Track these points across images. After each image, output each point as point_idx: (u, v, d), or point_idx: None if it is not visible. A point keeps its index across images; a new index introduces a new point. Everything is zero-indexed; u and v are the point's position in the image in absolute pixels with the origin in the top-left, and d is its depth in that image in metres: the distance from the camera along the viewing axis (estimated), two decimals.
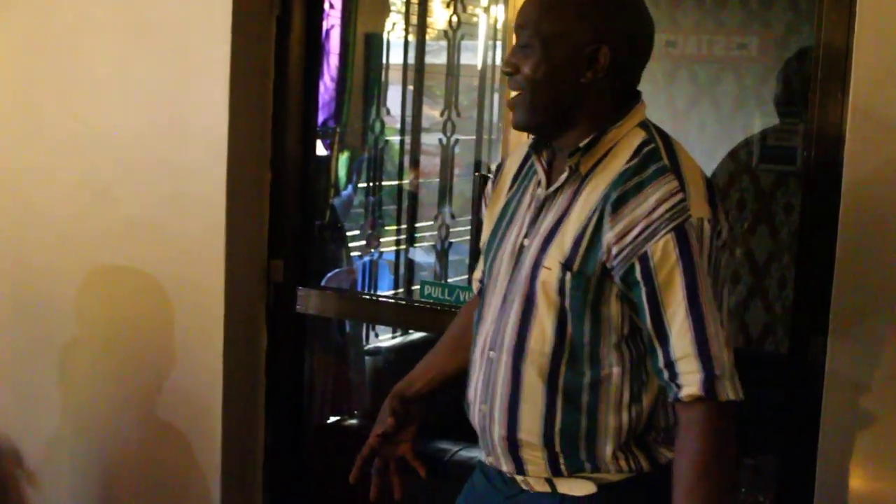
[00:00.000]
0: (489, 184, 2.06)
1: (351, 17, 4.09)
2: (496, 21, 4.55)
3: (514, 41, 1.86)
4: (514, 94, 1.85)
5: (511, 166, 2.02)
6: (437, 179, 3.64)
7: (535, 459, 1.83)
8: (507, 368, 1.82)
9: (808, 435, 2.35)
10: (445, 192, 3.47)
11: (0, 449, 3.29)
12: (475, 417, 1.90)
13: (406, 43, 3.90)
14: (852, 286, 2.27)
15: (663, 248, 1.68)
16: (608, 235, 1.72)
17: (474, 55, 4.62)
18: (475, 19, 4.71)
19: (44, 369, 3.21)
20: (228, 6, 2.79)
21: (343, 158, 4.20)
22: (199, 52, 2.86)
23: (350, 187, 4.48)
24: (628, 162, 1.76)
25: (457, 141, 3.19)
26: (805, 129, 2.50)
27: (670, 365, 1.70)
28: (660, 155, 1.75)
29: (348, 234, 4.23)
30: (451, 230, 3.30)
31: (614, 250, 1.71)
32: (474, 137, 4.06)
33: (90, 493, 3.17)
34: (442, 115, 3.19)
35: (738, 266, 3.28)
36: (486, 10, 4.57)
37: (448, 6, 3.69)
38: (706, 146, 3.52)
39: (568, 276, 1.75)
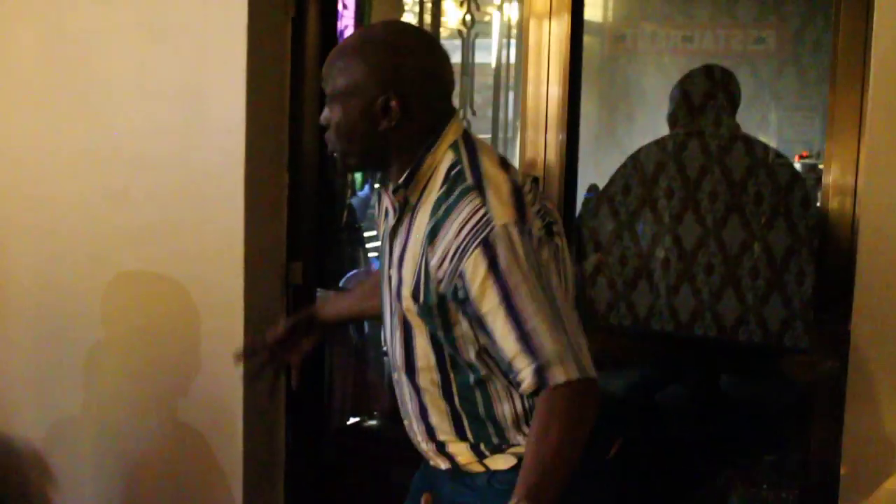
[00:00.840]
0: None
1: (365, 17, 4.10)
2: (510, 19, 4.56)
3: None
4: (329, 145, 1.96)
5: (384, 201, 2.09)
6: None
7: (461, 451, 1.97)
8: (408, 385, 1.98)
9: (831, 429, 2.34)
10: None
11: (22, 453, 3.30)
12: (409, 432, 2.06)
13: None
14: (875, 279, 2.26)
15: (473, 263, 1.76)
16: (432, 264, 1.82)
17: (488, 53, 4.63)
18: (488, 18, 4.72)
19: (66, 373, 3.22)
20: (244, 8, 2.79)
21: None
22: (216, 54, 2.86)
23: (367, 188, 4.48)
24: (440, 189, 1.86)
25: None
26: (822, 123, 2.48)
27: (508, 366, 1.79)
28: (464, 176, 1.84)
29: (366, 234, 4.23)
30: None
31: (439, 275, 1.81)
32: (490, 135, 4.07)
33: (112, 496, 3.18)
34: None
35: (756, 260, 3.27)
36: (500, 8, 4.58)
37: (461, 5, 3.69)
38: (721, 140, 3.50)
39: (418, 306, 1.87)
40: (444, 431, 1.97)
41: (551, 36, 2.70)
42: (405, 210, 1.93)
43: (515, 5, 4.18)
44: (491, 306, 1.76)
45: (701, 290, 3.28)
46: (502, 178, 1.86)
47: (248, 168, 2.84)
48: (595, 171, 4.17)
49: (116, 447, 3.15)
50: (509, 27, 4.45)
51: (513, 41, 4.45)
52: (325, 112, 1.95)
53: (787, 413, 3.16)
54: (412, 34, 1.98)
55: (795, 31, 3.53)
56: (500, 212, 1.79)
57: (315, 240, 3.05)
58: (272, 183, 2.96)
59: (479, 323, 1.81)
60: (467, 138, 1.94)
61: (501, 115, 4.23)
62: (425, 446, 2.01)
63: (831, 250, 2.42)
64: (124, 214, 3.03)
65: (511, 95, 4.43)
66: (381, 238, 2.10)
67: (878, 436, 2.29)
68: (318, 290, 3.03)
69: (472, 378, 1.91)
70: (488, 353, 1.87)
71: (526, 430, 1.90)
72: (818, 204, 2.71)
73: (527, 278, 1.76)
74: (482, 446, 1.95)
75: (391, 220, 1.97)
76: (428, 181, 1.90)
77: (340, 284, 3.49)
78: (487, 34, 4.55)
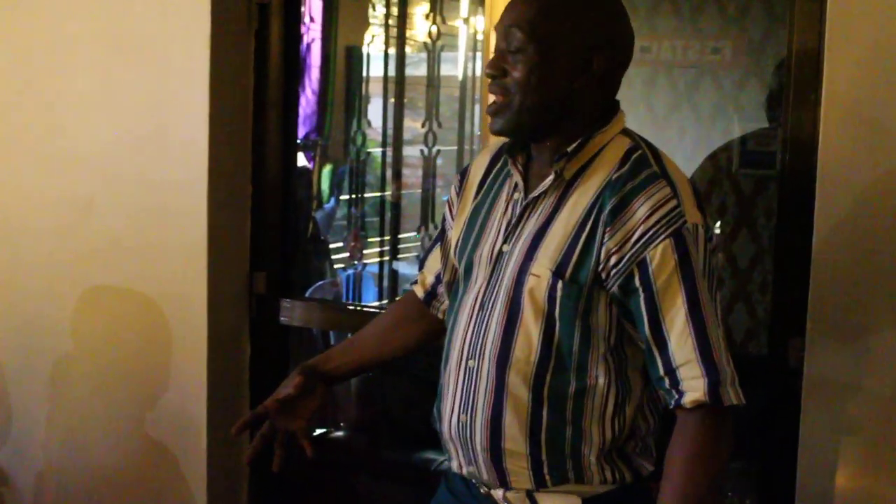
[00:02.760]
0: (452, 190, 2.03)
1: (332, 30, 4.12)
2: (476, 32, 4.58)
3: (497, 42, 1.80)
4: (495, 98, 1.79)
5: (476, 172, 1.98)
6: (420, 191, 3.66)
7: (518, 469, 1.78)
8: (490, 377, 1.77)
9: (789, 437, 2.36)
10: (428, 203, 3.48)
11: None
12: (452, 428, 1.84)
13: (386, 55, 3.92)
14: (829, 288, 2.29)
15: (662, 254, 1.66)
16: (607, 244, 1.69)
17: (455, 66, 4.64)
18: (455, 31, 4.73)
19: (30, 386, 3.20)
20: (207, 20, 2.80)
21: (326, 171, 4.23)
22: (179, 65, 2.86)
23: (333, 200, 4.49)
24: (618, 169, 1.73)
25: (438, 152, 3.20)
26: (781, 133, 2.51)
27: (671, 373, 1.68)
28: (649, 161, 1.74)
29: (332, 246, 4.25)
30: None
31: (613, 259, 1.69)
32: (456, 148, 4.09)
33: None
34: (423, 126, 3.19)
35: (720, 270, 3.30)
36: (467, 21, 4.60)
37: (428, 18, 3.71)
38: (686, 152, 3.54)
39: (560, 284, 1.72)
40: (513, 439, 1.77)
41: None
42: (554, 183, 1.77)
43: (481, 18, 4.20)
44: (673, 304, 1.66)
45: None
46: (685, 178, 1.77)
47: (211, 179, 2.84)
48: None
49: (81, 460, 3.14)
50: (475, 40, 4.47)
51: (479, 54, 4.46)
52: (499, 61, 1.76)
53: (751, 421, 3.19)
54: (620, 2, 1.84)
55: (757, 44, 3.57)
56: (691, 209, 1.69)
57: (279, 250, 3.06)
58: (235, 194, 2.96)
59: (647, 315, 1.68)
60: (636, 134, 1.84)
61: (468, 127, 4.25)
62: (478, 449, 1.80)
63: (788, 261, 2.44)
64: (87, 226, 3.03)
65: (477, 108, 4.45)
66: (477, 204, 1.92)
67: (833, 444, 2.32)
68: (284, 300, 3.03)
69: (572, 386, 1.75)
70: (616, 353, 1.76)
71: (607, 468, 1.78)
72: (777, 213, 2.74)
73: (709, 288, 1.68)
74: (546, 470, 1.78)
75: (520, 194, 1.81)
76: (591, 161, 1.77)
77: (307, 295, 3.50)
78: (454, 47, 4.56)
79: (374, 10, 4.28)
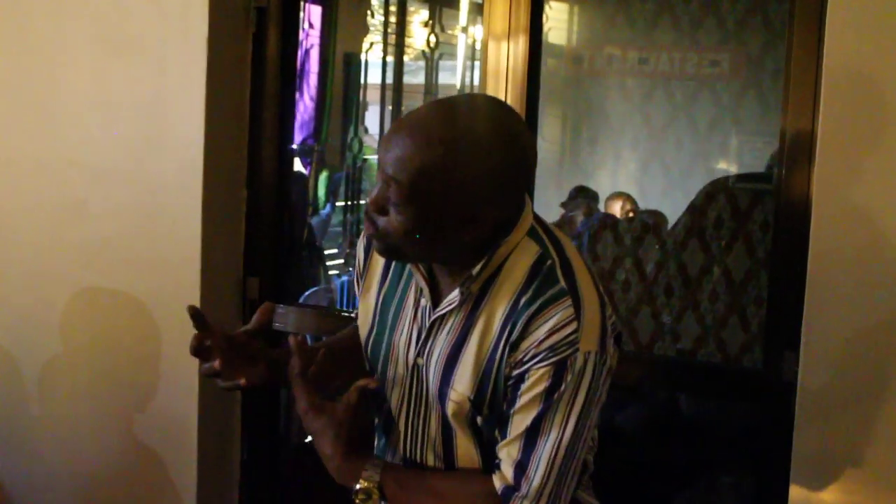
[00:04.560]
0: (359, 252, 1.95)
1: (330, 37, 4.12)
2: (474, 41, 4.59)
3: (378, 174, 1.67)
4: (375, 231, 1.67)
5: (379, 257, 1.86)
6: None
7: None
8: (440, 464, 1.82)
9: (783, 451, 2.36)
10: None
11: None
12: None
13: (384, 63, 3.92)
14: (824, 302, 2.29)
15: (538, 377, 1.63)
16: (506, 370, 1.67)
17: (452, 75, 4.65)
18: (454, 40, 4.74)
19: (20, 387, 3.19)
20: (205, 23, 2.79)
21: (322, 177, 4.23)
22: (176, 68, 2.86)
23: (328, 206, 4.49)
24: (525, 287, 1.66)
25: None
26: (777, 146, 2.51)
27: (496, 456, 1.70)
28: (556, 276, 1.66)
29: (326, 252, 4.24)
30: None
31: (511, 374, 1.67)
32: None
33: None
34: None
35: (715, 283, 3.30)
36: (465, 30, 4.61)
37: (427, 26, 3.71)
38: (682, 164, 3.54)
39: (479, 416, 1.72)
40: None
41: (510, 57, 2.72)
42: (464, 300, 1.71)
43: (480, 27, 4.20)
44: (521, 418, 1.65)
45: (661, 313, 3.31)
46: (593, 291, 1.69)
47: (206, 183, 2.83)
48: (557, 192, 4.21)
49: (70, 463, 3.12)
50: (473, 49, 4.48)
51: (477, 63, 4.47)
52: (380, 199, 1.63)
53: (744, 435, 3.18)
54: (516, 120, 1.70)
55: (755, 57, 3.58)
56: (588, 336, 1.63)
57: (273, 256, 3.05)
58: (230, 198, 2.95)
59: (501, 426, 1.69)
60: (541, 224, 1.75)
61: None
62: None
63: (783, 274, 2.44)
64: (81, 227, 3.02)
65: None
66: (374, 294, 1.87)
67: (827, 457, 2.31)
68: (278, 306, 3.02)
69: None
70: None
71: None
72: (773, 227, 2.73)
73: (566, 420, 1.64)
74: None
75: (427, 303, 1.75)
76: (498, 271, 1.69)
77: (300, 301, 3.48)
78: (452, 56, 4.57)
79: (372, 17, 4.28)
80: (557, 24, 4.08)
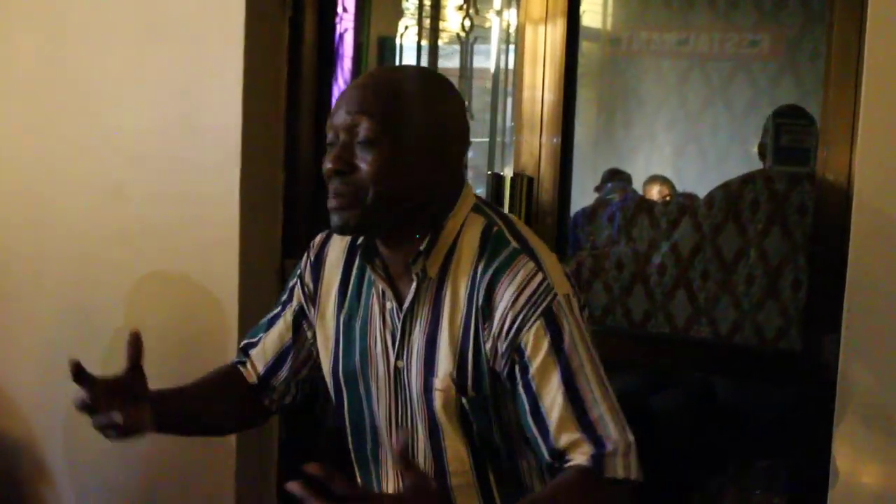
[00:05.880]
0: (306, 275, 1.91)
1: (364, 20, 4.11)
2: (508, 25, 4.58)
3: (334, 133, 1.67)
4: (339, 197, 1.64)
5: (331, 277, 1.86)
6: None
7: None
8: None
9: (821, 434, 2.35)
10: None
11: (18, 447, 3.31)
12: None
13: (419, 46, 3.91)
14: (866, 284, 2.27)
15: (535, 337, 1.59)
16: (488, 342, 1.62)
17: (487, 58, 4.64)
18: (488, 23, 4.73)
19: (57, 373, 3.22)
20: (241, 7, 2.79)
21: None
22: (213, 53, 2.87)
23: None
24: (479, 256, 1.65)
25: (470, 144, 3.18)
26: (817, 130, 2.50)
27: (559, 456, 1.60)
28: (506, 239, 1.66)
29: None
30: None
31: (498, 349, 1.62)
32: (487, 139, 4.08)
33: (105, 489, 3.19)
34: None
35: (751, 267, 3.28)
36: (499, 13, 4.60)
37: (461, 10, 3.70)
38: (719, 147, 3.52)
39: (464, 399, 1.66)
40: None
41: (547, 41, 2.71)
42: (423, 285, 1.69)
43: (514, 11, 4.19)
44: (552, 387, 1.58)
45: (698, 296, 3.30)
46: (546, 246, 1.70)
47: (243, 166, 2.84)
48: (593, 175, 4.20)
49: (108, 445, 3.15)
50: (508, 32, 4.47)
51: (512, 46, 4.46)
52: (344, 153, 1.63)
53: (780, 419, 3.17)
54: (447, 84, 1.77)
55: (792, 38, 3.55)
56: (559, 281, 1.62)
57: (310, 238, 3.04)
58: (268, 181, 2.96)
59: (527, 402, 1.61)
60: (485, 202, 1.76)
61: (499, 120, 4.25)
62: None
63: (823, 257, 2.43)
64: (119, 212, 3.04)
65: (509, 101, 4.44)
66: (332, 319, 1.83)
67: (868, 442, 2.30)
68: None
69: (520, 468, 1.74)
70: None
71: None
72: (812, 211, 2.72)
73: (591, 358, 1.61)
74: None
75: (392, 302, 1.73)
76: (452, 250, 1.68)
77: None
78: (487, 39, 4.56)
79: (407, 1, 4.28)
80: (592, 5, 4.07)
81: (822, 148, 2.41)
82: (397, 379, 1.74)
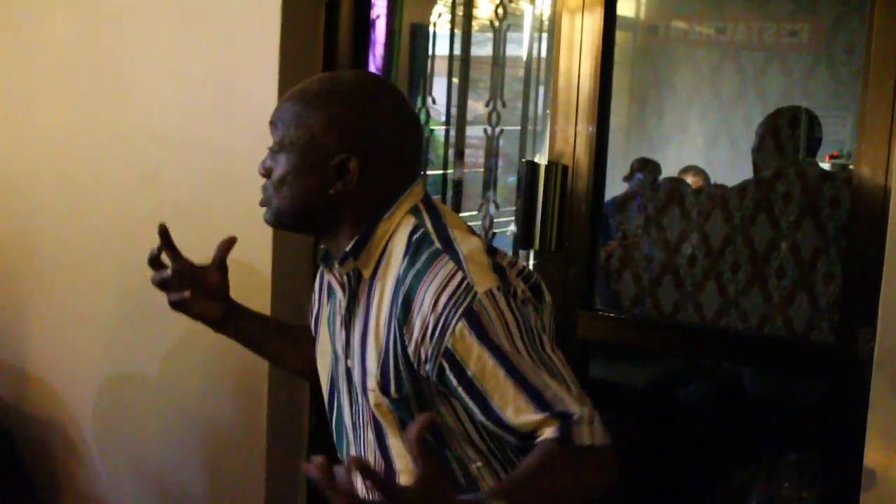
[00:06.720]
0: (315, 287, 2.00)
1: (397, 7, 4.10)
2: (542, 13, 4.56)
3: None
4: (262, 197, 1.79)
5: (320, 280, 1.94)
6: (482, 170, 3.65)
7: None
8: None
9: (854, 426, 2.34)
10: (490, 183, 3.47)
11: (50, 427, 3.34)
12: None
13: (452, 34, 3.90)
14: None
15: (461, 338, 1.56)
16: (410, 346, 1.61)
17: (520, 46, 4.63)
18: (521, 11, 4.72)
19: (81, 354, 3.25)
20: None
21: None
22: (249, 38, 2.87)
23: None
24: (404, 257, 1.66)
25: (502, 132, 3.18)
26: (854, 124, 2.48)
27: (526, 437, 1.57)
28: (430, 239, 1.66)
29: None
30: (494, 220, 3.30)
31: (421, 354, 1.61)
32: (519, 128, 4.07)
33: (134, 468, 3.22)
34: (487, 105, 3.18)
35: (783, 260, 3.27)
36: (532, 1, 4.58)
37: None
38: (751, 138, 3.50)
39: (387, 401, 1.67)
40: None
41: (584, 30, 2.71)
42: (359, 286, 1.72)
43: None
44: (496, 381, 1.56)
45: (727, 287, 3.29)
46: (473, 239, 1.68)
47: None
48: (624, 165, 4.18)
49: (136, 429, 3.18)
50: (541, 21, 4.46)
51: (545, 35, 4.45)
52: (267, 161, 1.75)
53: (809, 411, 3.16)
54: (383, 89, 1.77)
55: (829, 30, 3.53)
56: (480, 277, 1.60)
57: None
58: None
59: (475, 404, 1.58)
60: (428, 202, 1.75)
61: (531, 108, 4.24)
62: None
63: (859, 250, 2.41)
64: (155, 196, 3.05)
65: (541, 89, 4.43)
66: (324, 321, 1.88)
67: None
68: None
69: (461, 476, 1.71)
70: (484, 434, 1.67)
71: None
72: (847, 204, 2.71)
73: (526, 345, 1.58)
74: None
75: (340, 300, 1.76)
76: (384, 252, 1.70)
77: None
78: (520, 27, 4.55)
79: None
80: None
81: (860, 140, 2.39)
82: (349, 378, 1.76)
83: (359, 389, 1.73)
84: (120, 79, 3.11)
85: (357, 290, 1.73)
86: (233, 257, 2.96)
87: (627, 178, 4.21)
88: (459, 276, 1.59)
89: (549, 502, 1.53)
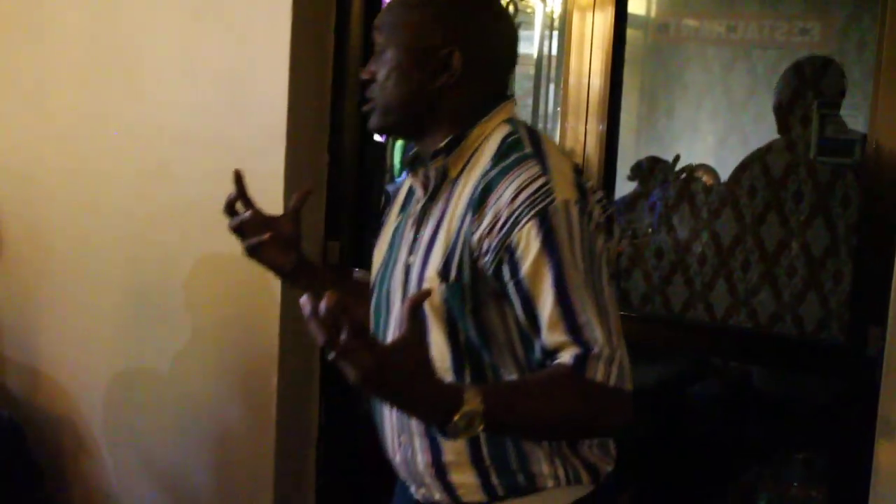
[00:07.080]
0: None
1: None
2: (552, 11, 4.56)
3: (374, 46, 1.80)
4: (365, 102, 1.80)
5: (400, 196, 1.94)
6: None
7: (466, 483, 1.72)
8: None
9: (864, 428, 2.33)
10: None
11: (61, 423, 3.35)
12: (396, 452, 1.79)
13: None
14: None
15: (527, 236, 1.57)
16: (475, 236, 1.62)
17: (531, 45, 4.63)
18: (532, 9, 4.72)
19: (92, 345, 3.26)
20: None
21: (398, 145, 4.22)
22: (260, 33, 2.88)
23: (405, 174, 4.48)
24: (492, 158, 1.68)
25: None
26: (865, 120, 2.48)
27: (549, 355, 1.59)
28: (522, 144, 1.68)
29: None
30: None
31: (484, 246, 1.62)
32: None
33: (143, 463, 3.23)
34: None
35: (793, 259, 3.26)
36: (543, 0, 4.59)
37: None
38: (762, 137, 3.49)
39: (444, 286, 1.65)
40: (453, 451, 1.71)
41: (594, 28, 2.71)
42: (443, 184, 1.74)
43: None
44: (542, 288, 1.56)
45: (738, 287, 3.28)
46: (566, 160, 1.70)
47: (288, 147, 2.85)
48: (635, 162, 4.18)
49: (146, 424, 3.19)
50: (552, 19, 4.46)
51: (555, 33, 4.45)
52: (371, 65, 1.77)
53: (818, 410, 3.16)
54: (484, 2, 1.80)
55: (841, 28, 3.52)
56: (562, 187, 1.60)
57: (353, 220, 3.07)
58: (312, 163, 2.97)
59: (519, 301, 1.59)
60: (525, 123, 1.77)
61: (542, 106, 4.25)
62: (422, 468, 1.75)
63: (870, 248, 2.41)
64: (165, 191, 3.06)
65: (552, 87, 4.44)
66: (395, 228, 1.87)
67: None
68: (356, 269, 3.04)
69: (490, 373, 1.70)
70: (526, 353, 1.66)
71: (560, 466, 1.70)
72: (858, 203, 2.70)
73: (586, 264, 1.58)
74: (494, 478, 1.71)
75: (418, 199, 1.78)
76: (474, 153, 1.72)
77: None
78: (530, 25, 4.55)
79: None
80: None
81: (871, 138, 2.39)
82: (406, 276, 1.75)
83: (414, 285, 1.71)
84: (132, 75, 3.11)
85: (439, 189, 1.75)
86: (241, 255, 2.98)
87: (632, 177, 4.20)
88: (543, 179, 1.61)
89: (531, 424, 1.55)
